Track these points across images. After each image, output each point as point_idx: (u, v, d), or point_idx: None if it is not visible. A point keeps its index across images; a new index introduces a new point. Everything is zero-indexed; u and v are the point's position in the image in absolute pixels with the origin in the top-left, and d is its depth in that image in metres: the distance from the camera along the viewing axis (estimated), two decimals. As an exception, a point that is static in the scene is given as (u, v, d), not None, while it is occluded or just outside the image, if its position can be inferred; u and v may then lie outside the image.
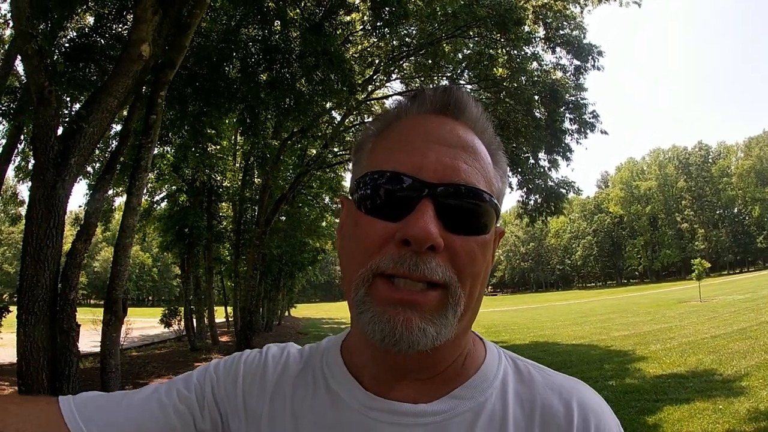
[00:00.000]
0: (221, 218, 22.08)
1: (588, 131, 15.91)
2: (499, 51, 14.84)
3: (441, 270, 0.59)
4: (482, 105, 0.70)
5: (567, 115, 15.79)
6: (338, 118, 17.87)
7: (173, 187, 19.44)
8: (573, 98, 15.69)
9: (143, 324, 25.29)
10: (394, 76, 17.10)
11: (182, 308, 19.13)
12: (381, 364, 0.68)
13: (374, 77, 16.22)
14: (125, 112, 9.17)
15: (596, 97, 61.05)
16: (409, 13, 11.08)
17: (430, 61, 15.40)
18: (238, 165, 20.80)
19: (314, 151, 18.63)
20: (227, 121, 15.64)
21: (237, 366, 0.77)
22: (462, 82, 15.48)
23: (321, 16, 11.21)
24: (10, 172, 13.54)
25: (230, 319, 24.15)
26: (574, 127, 15.93)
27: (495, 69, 15.13)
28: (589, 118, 15.84)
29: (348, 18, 13.13)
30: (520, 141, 15.56)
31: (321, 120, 16.93)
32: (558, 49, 15.40)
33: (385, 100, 17.77)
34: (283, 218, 22.26)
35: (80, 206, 14.74)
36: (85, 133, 6.02)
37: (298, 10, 11.34)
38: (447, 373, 0.69)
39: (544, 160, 16.59)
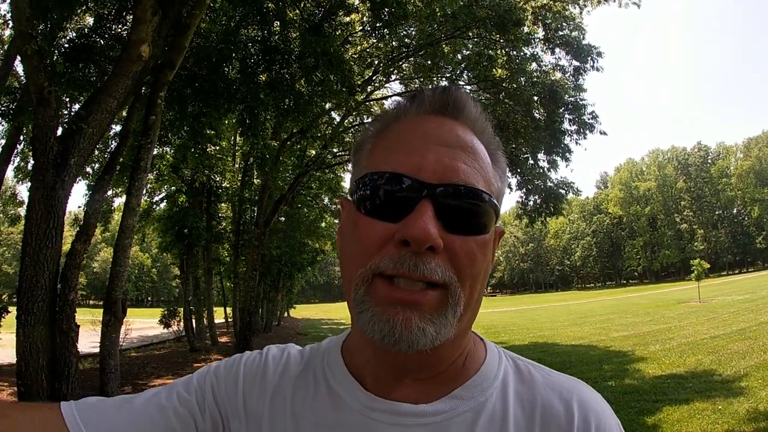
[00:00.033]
0: (220, 219, 22.06)
1: (587, 132, 15.95)
2: (499, 52, 14.87)
3: (441, 270, 0.59)
4: (481, 105, 0.70)
5: (566, 115, 15.82)
6: (337, 118, 17.89)
7: (172, 188, 19.44)
8: (572, 99, 15.72)
9: (142, 325, 25.28)
10: (393, 77, 17.13)
11: (181, 309, 19.11)
12: (381, 363, 0.67)
13: (373, 78, 16.22)
14: (125, 113, 9.18)
15: (595, 97, 61.32)
16: (408, 14, 11.09)
17: (429, 62, 15.42)
18: (237, 166, 20.79)
19: (313, 152, 18.62)
20: (226, 122, 15.65)
21: (237, 367, 0.77)
22: (461, 82, 15.49)
23: (320, 16, 11.22)
24: (10, 173, 13.53)
25: (229, 319, 24.12)
26: (574, 127, 15.97)
27: (494, 70, 15.16)
28: (588, 119, 15.88)
29: (347, 19, 13.13)
30: (519, 142, 15.58)
31: (320, 121, 16.93)
32: (557, 49, 15.44)
33: (384, 101, 17.76)
34: (283, 219, 22.23)
35: (80, 207, 14.78)
36: (85, 134, 6.03)
37: (297, 11, 11.35)
38: (447, 373, 0.69)
39: (544, 160, 16.63)
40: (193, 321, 18.24)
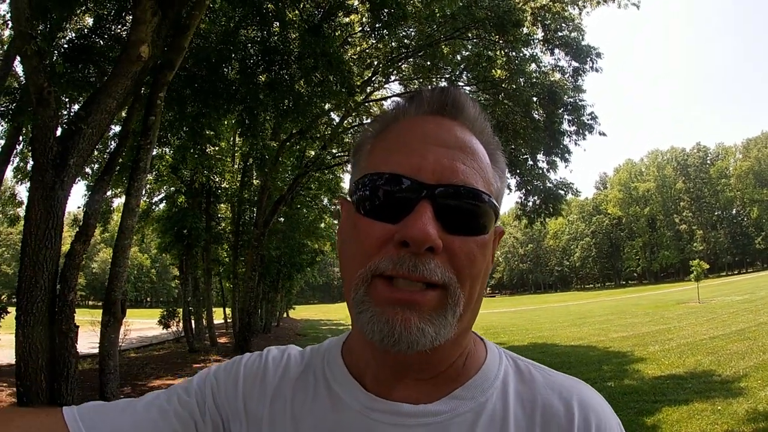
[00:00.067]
0: (220, 219, 22.03)
1: (586, 133, 15.99)
2: (498, 53, 14.88)
3: (440, 271, 0.59)
4: (480, 106, 0.69)
5: (565, 116, 15.85)
6: (337, 119, 17.90)
7: (172, 189, 19.41)
8: (571, 100, 15.75)
9: (142, 325, 25.27)
10: (392, 78, 17.15)
11: (181, 309, 19.11)
12: (381, 364, 0.67)
13: (373, 79, 16.23)
14: (124, 113, 9.17)
15: (595, 98, 61.16)
16: (407, 15, 11.09)
17: (428, 63, 15.44)
18: (236, 166, 20.78)
19: (313, 153, 18.63)
20: (226, 123, 15.64)
21: (237, 369, 0.77)
22: (461, 83, 15.50)
23: (320, 17, 11.22)
24: (9, 173, 13.53)
25: (229, 320, 24.07)
26: (573, 128, 16.00)
27: (493, 70, 15.17)
28: (588, 120, 15.91)
29: (347, 19, 13.14)
30: (518, 142, 15.60)
31: (320, 121, 16.93)
32: (556, 50, 15.48)
33: (383, 102, 17.78)
34: (282, 219, 22.22)
35: (79, 207, 14.74)
36: (84, 134, 6.02)
37: (297, 12, 11.35)
38: (448, 373, 0.69)
39: (543, 161, 16.66)
40: (193, 322, 18.23)
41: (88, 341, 11.01)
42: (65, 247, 6.71)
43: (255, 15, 10.82)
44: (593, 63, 15.25)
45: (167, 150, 16.22)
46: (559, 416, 0.66)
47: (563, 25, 15.19)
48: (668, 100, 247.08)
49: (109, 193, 14.72)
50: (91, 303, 71.63)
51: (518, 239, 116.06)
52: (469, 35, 14.31)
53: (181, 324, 18.94)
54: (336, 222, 26.38)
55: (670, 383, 8.86)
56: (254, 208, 19.18)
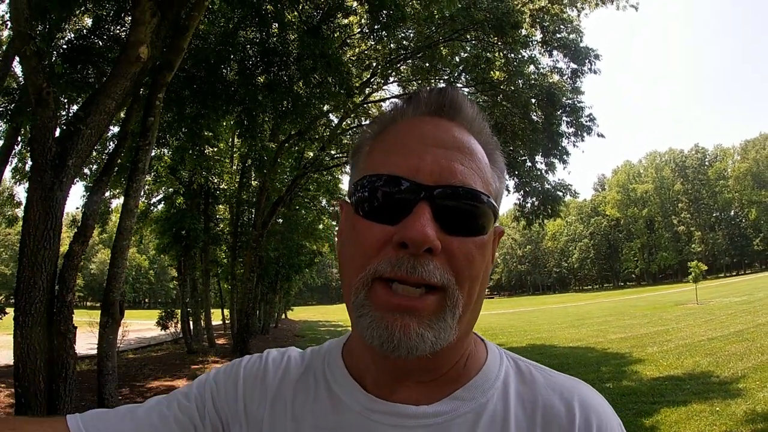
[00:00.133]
0: (218, 221, 22.01)
1: (585, 134, 16.00)
2: (496, 54, 14.89)
3: (439, 272, 0.59)
4: (478, 107, 0.70)
5: (564, 118, 15.86)
6: (335, 120, 17.88)
7: (170, 190, 19.37)
8: (570, 101, 15.76)
9: (140, 326, 25.28)
10: (391, 79, 17.14)
11: (179, 311, 19.08)
12: (381, 368, 0.68)
13: (372, 80, 16.23)
14: (123, 114, 9.16)
15: (593, 100, 61.27)
16: (406, 17, 11.09)
17: (427, 64, 15.44)
18: (235, 167, 20.75)
19: (311, 154, 18.62)
20: (225, 124, 15.64)
21: (237, 372, 0.77)
22: (459, 85, 15.52)
23: (319, 19, 11.21)
24: (7, 174, 13.51)
25: (227, 321, 24.04)
26: (571, 130, 16.01)
27: (492, 72, 15.18)
28: (586, 121, 15.93)
29: (346, 21, 13.15)
30: (516, 144, 15.60)
31: (318, 123, 16.92)
32: (555, 52, 15.49)
33: (382, 103, 17.78)
34: (280, 221, 22.19)
35: (77, 208, 14.73)
36: (83, 135, 6.01)
37: (296, 13, 11.34)
38: (449, 374, 0.69)
39: (541, 163, 16.65)
40: (191, 323, 18.20)
41: (86, 342, 11.01)
42: (64, 248, 6.70)
43: (254, 16, 10.81)
44: (591, 64, 15.27)
45: (166, 151, 16.20)
46: (560, 417, 0.66)
47: (562, 26, 15.21)
48: (667, 102, 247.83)
49: (107, 193, 14.70)
50: (89, 304, 71.57)
51: (516, 240, 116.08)
52: (468, 37, 14.33)
53: (179, 325, 18.93)
54: (335, 223, 26.46)
55: (669, 384, 8.87)
56: (253, 209, 19.16)
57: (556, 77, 16.09)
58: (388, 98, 17.74)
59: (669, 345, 13.49)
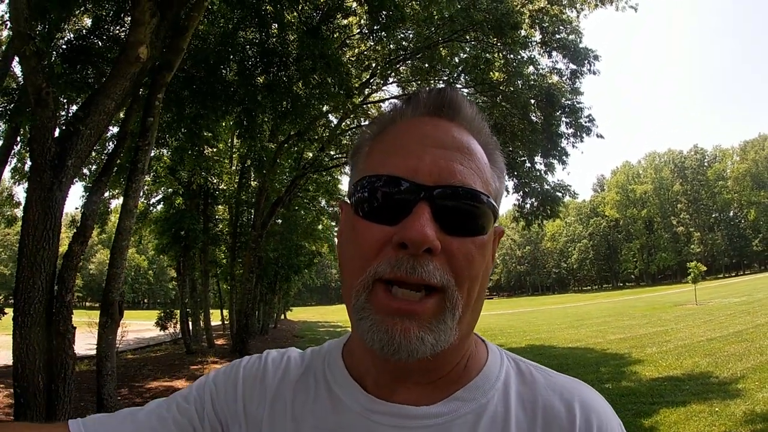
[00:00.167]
0: (217, 221, 22.02)
1: (584, 135, 16.01)
2: (496, 55, 14.90)
3: (439, 273, 0.59)
4: (477, 107, 0.70)
5: (563, 118, 15.86)
6: (335, 121, 17.88)
7: (170, 190, 19.38)
8: (569, 102, 15.77)
9: (139, 327, 25.25)
10: (390, 80, 17.16)
11: (178, 311, 19.07)
12: (382, 370, 0.68)
13: (371, 81, 16.24)
14: (122, 115, 9.16)
15: (592, 101, 61.36)
16: (406, 17, 11.08)
17: (426, 65, 15.45)
18: (234, 168, 20.76)
19: (311, 155, 18.64)
20: (224, 124, 15.61)
21: (236, 372, 0.77)
22: (458, 85, 15.51)
23: (318, 19, 11.21)
24: (7, 174, 13.51)
25: (226, 322, 24.05)
26: (570, 131, 16.02)
27: (491, 73, 15.17)
28: (585, 122, 15.93)
29: (345, 21, 13.16)
30: (516, 145, 15.61)
31: (318, 123, 16.92)
32: (554, 53, 15.49)
33: (381, 104, 17.78)
34: (280, 221, 22.20)
35: (77, 208, 14.73)
36: (82, 135, 6.01)
37: (295, 14, 11.33)
38: (449, 375, 0.69)
39: (540, 163, 16.66)
40: (190, 323, 18.20)
41: (85, 343, 10.98)
42: (63, 248, 6.70)
43: (253, 17, 10.81)
44: (591, 65, 15.28)
45: (165, 151, 16.18)
46: (561, 417, 0.66)
47: (561, 27, 15.21)
48: (666, 102, 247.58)
49: (106, 194, 14.70)
50: (88, 304, 71.40)
51: (516, 241, 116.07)
52: (467, 38, 14.34)
53: (178, 325, 18.90)
54: (334, 224, 26.46)
55: (668, 385, 8.87)
56: (252, 209, 19.17)
57: (555, 78, 16.10)
58: (388, 99, 17.75)
59: (668, 345, 13.50)
